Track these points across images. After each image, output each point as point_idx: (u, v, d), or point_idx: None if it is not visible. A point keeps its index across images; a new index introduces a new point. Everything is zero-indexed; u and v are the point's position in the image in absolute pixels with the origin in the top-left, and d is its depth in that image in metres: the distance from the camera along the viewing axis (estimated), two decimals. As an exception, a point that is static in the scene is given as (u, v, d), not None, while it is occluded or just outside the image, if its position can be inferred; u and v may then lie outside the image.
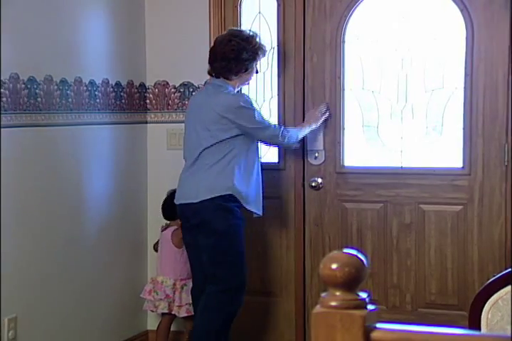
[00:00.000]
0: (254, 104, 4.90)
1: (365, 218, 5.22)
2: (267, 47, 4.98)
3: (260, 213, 4.84)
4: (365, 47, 5.19)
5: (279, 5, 5.27)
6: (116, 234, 5.12)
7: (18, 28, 4.36)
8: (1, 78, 4.19)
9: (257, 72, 4.95)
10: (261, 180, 4.86)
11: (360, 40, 5.19)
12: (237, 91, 4.93)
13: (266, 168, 5.32)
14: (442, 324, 4.55)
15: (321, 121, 5.08)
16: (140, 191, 5.45)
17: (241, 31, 4.88)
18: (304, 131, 5.01)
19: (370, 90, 5.20)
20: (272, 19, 5.33)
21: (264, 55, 4.91)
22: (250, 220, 5.21)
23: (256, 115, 4.73)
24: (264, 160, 5.36)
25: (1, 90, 4.21)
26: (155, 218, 5.46)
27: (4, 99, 4.23)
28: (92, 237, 4.95)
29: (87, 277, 4.92)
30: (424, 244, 5.12)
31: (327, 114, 5.12)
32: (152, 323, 5.50)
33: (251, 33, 4.84)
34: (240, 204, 4.71)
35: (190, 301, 5.00)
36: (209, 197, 4.59)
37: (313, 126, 5.05)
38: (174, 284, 5.11)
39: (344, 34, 5.17)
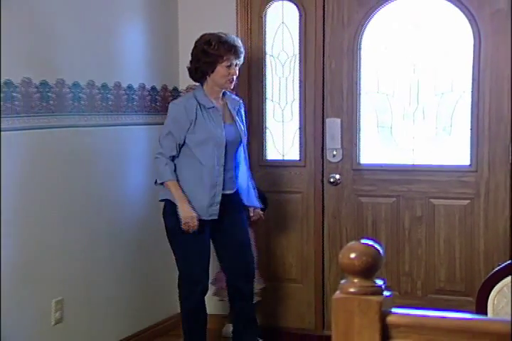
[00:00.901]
0: (180, 116, 4.37)
1: (380, 211, 5.22)
2: (282, 52, 5.11)
3: (201, 216, 4.38)
4: (379, 54, 5.18)
5: (300, 15, 5.27)
6: (154, 224, 5.14)
7: (67, 37, 4.39)
8: (49, 83, 4.24)
9: (232, 75, 4.43)
10: (208, 183, 4.38)
11: (376, 47, 5.17)
12: (197, 94, 4.48)
13: (288, 164, 5.38)
14: (450, 309, 4.55)
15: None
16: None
17: (203, 35, 4.51)
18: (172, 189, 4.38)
19: (384, 94, 5.19)
20: (294, 28, 5.32)
21: (230, 57, 4.38)
22: (274, 213, 5.25)
23: (166, 121, 4.48)
24: (286, 157, 5.40)
25: (49, 94, 4.25)
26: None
27: (51, 102, 4.27)
28: (132, 227, 4.97)
29: (129, 262, 4.98)
30: (434, 235, 5.12)
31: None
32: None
33: (212, 36, 4.44)
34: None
35: None
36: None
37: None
38: None
39: (360, 42, 5.17)
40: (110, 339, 4.82)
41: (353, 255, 1.66)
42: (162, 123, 5.33)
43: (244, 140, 4.62)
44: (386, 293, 1.68)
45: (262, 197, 4.94)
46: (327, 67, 5.25)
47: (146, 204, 5.13)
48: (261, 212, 4.83)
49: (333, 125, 5.25)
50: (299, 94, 5.34)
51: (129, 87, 4.99)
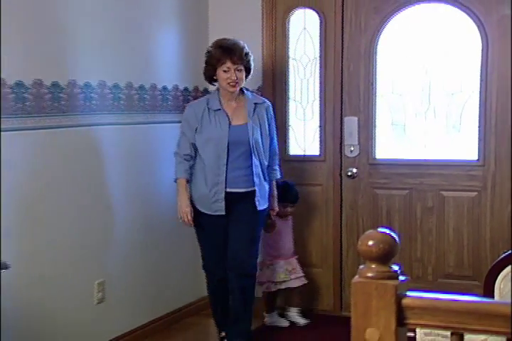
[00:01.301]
0: (189, 117, 4.36)
1: (393, 202, 5.22)
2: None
3: (207, 212, 4.36)
4: (394, 57, 5.18)
5: (321, 22, 5.27)
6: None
7: (108, 42, 4.41)
8: (92, 84, 4.28)
9: (231, 79, 4.27)
10: (204, 180, 4.32)
11: (390, 51, 5.17)
12: (211, 96, 4.48)
13: (309, 159, 5.38)
14: (459, 292, 4.51)
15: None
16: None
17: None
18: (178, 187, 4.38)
19: (398, 94, 5.19)
20: (315, 34, 5.31)
21: (226, 61, 4.24)
22: (300, 201, 5.25)
23: (180, 125, 4.48)
24: (307, 153, 5.40)
25: (91, 95, 4.28)
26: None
27: (94, 102, 4.30)
28: (167, 217, 4.96)
29: (163, 249, 4.99)
30: (444, 224, 5.11)
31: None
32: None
33: (216, 41, 4.40)
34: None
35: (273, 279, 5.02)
36: None
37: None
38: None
39: (376, 46, 5.16)
40: (146, 317, 4.85)
41: (370, 242, 1.68)
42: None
43: (261, 140, 4.38)
44: (401, 278, 1.69)
45: (293, 191, 4.98)
46: (345, 70, 5.25)
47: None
48: (276, 209, 4.71)
49: (351, 123, 5.25)
50: (319, 95, 5.33)
51: (164, 88, 5.00)
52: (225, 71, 4.24)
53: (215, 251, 4.43)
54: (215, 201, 4.29)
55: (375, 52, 5.18)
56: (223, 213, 4.31)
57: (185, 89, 5.24)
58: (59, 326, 4.09)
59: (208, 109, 4.31)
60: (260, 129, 4.37)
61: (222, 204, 4.29)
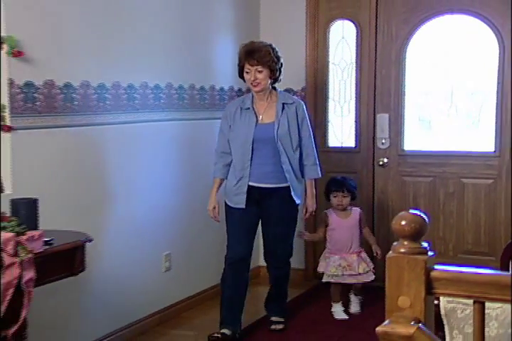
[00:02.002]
0: (227, 114, 4.13)
1: (419, 188, 5.20)
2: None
3: (230, 204, 4.11)
4: (421, 62, 5.15)
5: (357, 32, 5.26)
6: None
7: (173, 49, 4.44)
8: (162, 85, 4.34)
9: (252, 80, 4.00)
10: (237, 175, 4.06)
11: (418, 57, 5.14)
12: (247, 96, 4.21)
13: (346, 150, 5.38)
14: (476, 266, 4.53)
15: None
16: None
17: None
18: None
19: (424, 94, 5.17)
20: (352, 42, 5.30)
21: (245, 63, 3.99)
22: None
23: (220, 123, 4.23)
24: (344, 145, 5.40)
25: (160, 95, 4.34)
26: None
27: (162, 101, 4.36)
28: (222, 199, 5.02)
29: (222, 225, 4.99)
30: (463, 207, 5.09)
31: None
32: (263, 260, 5.56)
33: (244, 44, 4.14)
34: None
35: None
36: None
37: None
38: None
39: (405, 52, 5.14)
40: (208, 284, 4.88)
41: (403, 222, 1.68)
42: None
43: (290, 138, 4.06)
44: (430, 253, 1.69)
45: (355, 186, 4.71)
46: (378, 73, 5.24)
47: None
48: (310, 208, 4.30)
49: (382, 119, 5.24)
50: (355, 94, 5.33)
51: (221, 89, 5.03)
52: (247, 72, 4.00)
53: (234, 240, 4.15)
54: (237, 194, 4.04)
55: (404, 58, 5.16)
56: (243, 206, 4.03)
57: (239, 90, 5.26)
58: (133, 290, 4.16)
59: (241, 108, 4.07)
60: (289, 128, 4.06)
61: (243, 197, 4.02)
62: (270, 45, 4.05)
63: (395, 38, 5.17)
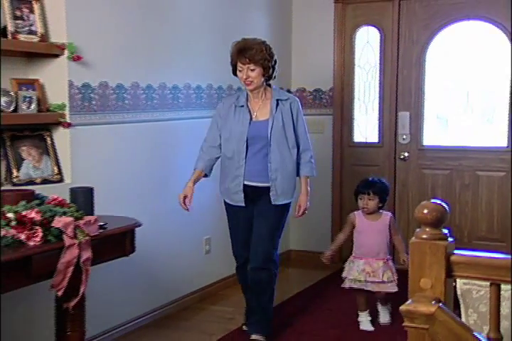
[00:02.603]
0: (220, 111, 3.68)
1: (437, 180, 5.15)
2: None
3: (230, 202, 3.69)
4: (439, 64, 5.09)
5: (381, 37, 5.22)
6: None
7: (211, 52, 4.42)
8: (203, 86, 4.34)
9: (244, 78, 3.54)
10: (227, 173, 3.66)
11: (437, 59, 5.09)
12: (242, 93, 3.72)
13: (370, 145, 5.35)
14: (489, 251, 4.49)
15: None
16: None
17: None
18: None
19: (442, 93, 5.11)
20: (376, 46, 5.26)
21: (238, 61, 3.54)
22: (358, 181, 5.20)
23: (212, 119, 3.77)
24: (368, 140, 5.37)
25: (202, 94, 4.35)
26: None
27: (203, 100, 4.37)
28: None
29: None
30: (478, 198, 5.04)
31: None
32: (293, 244, 5.62)
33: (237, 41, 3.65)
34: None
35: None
36: None
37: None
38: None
39: (425, 55, 5.09)
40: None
41: (425, 210, 1.68)
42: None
43: (285, 136, 3.58)
44: (450, 239, 1.70)
45: (384, 189, 3.97)
46: (400, 75, 5.19)
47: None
48: (303, 206, 3.71)
49: (404, 117, 5.20)
50: (378, 94, 5.29)
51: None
52: (239, 70, 3.55)
53: (236, 242, 3.76)
54: (235, 193, 3.63)
55: (424, 61, 5.11)
56: (243, 204, 3.62)
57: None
58: (177, 270, 4.20)
59: (235, 105, 3.63)
60: (283, 125, 3.58)
61: (241, 195, 3.60)
62: (263, 43, 3.61)
63: (416, 42, 5.12)
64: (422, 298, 1.62)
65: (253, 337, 3.62)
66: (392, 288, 3.82)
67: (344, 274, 3.94)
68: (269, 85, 3.68)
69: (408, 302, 1.63)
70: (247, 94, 3.64)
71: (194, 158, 4.02)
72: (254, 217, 3.67)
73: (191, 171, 3.71)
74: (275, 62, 3.61)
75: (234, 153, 3.59)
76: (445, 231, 1.70)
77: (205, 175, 3.72)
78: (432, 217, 1.67)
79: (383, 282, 3.82)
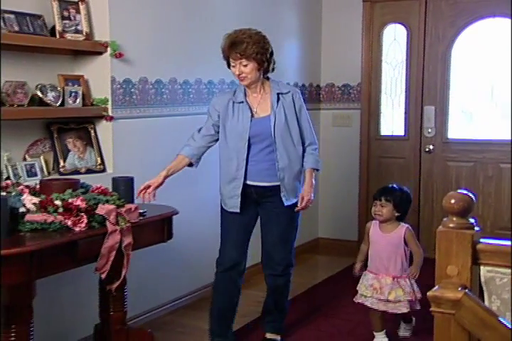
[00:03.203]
0: (216, 105, 3.21)
1: (461, 172, 5.09)
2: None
3: (225, 207, 3.25)
4: (464, 60, 5.02)
5: (407, 34, 5.16)
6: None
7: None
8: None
9: (238, 73, 3.09)
10: (224, 175, 3.22)
11: (462, 55, 5.02)
12: (238, 88, 3.23)
13: (396, 138, 5.30)
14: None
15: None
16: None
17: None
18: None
19: (467, 88, 5.04)
20: (403, 43, 5.20)
21: (231, 56, 3.08)
22: (385, 172, 5.18)
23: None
24: (395, 133, 5.32)
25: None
26: (324, 172, 5.50)
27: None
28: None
29: None
30: (501, 189, 4.97)
31: None
32: (322, 232, 5.59)
33: (228, 33, 3.15)
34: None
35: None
36: None
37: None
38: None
39: (451, 52, 5.03)
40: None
41: (452, 200, 1.66)
42: (311, 109, 5.34)
43: (289, 131, 3.15)
44: (476, 228, 1.67)
45: (402, 197, 3.37)
46: (426, 70, 5.13)
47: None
48: (305, 197, 3.20)
49: (429, 111, 5.14)
50: (404, 89, 5.23)
51: (288, 84, 4.99)
52: (232, 66, 3.10)
53: (227, 247, 3.28)
54: (231, 197, 3.18)
55: (450, 57, 5.04)
56: (237, 210, 3.17)
57: (303, 85, 5.23)
58: (210, 255, 4.18)
59: (233, 101, 3.17)
60: (286, 120, 3.14)
61: (238, 200, 3.16)
62: (257, 34, 3.12)
63: (442, 38, 5.05)
64: (448, 285, 1.60)
65: (268, 335, 3.41)
66: (400, 308, 3.25)
67: (358, 287, 3.41)
68: (268, 78, 3.24)
69: (435, 288, 1.61)
70: (244, 89, 3.19)
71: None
72: (262, 221, 3.28)
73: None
74: (271, 54, 3.15)
75: (234, 154, 3.14)
76: (471, 220, 1.67)
77: (191, 165, 3.21)
78: (459, 207, 1.65)
79: (388, 301, 3.24)
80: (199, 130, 3.26)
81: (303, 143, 3.22)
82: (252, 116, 3.15)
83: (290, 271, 3.36)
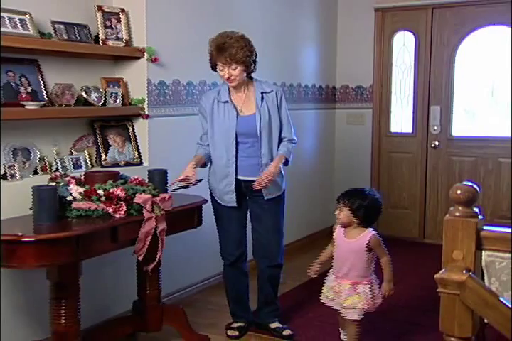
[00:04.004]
0: (202, 103, 3.06)
1: (464, 166, 5.03)
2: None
3: (222, 203, 3.09)
4: (467, 64, 4.95)
5: (416, 40, 5.10)
6: (317, 173, 5.18)
7: (266, 53, 4.32)
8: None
9: (226, 76, 2.93)
10: (215, 172, 3.06)
11: (465, 60, 4.95)
12: (222, 87, 3.07)
13: (405, 135, 5.25)
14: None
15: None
16: (331, 147, 5.45)
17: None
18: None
19: (470, 89, 4.96)
20: (411, 48, 5.14)
21: (219, 60, 2.90)
22: (395, 166, 5.13)
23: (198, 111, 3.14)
24: (404, 130, 5.26)
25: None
26: (339, 166, 5.50)
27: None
28: (307, 173, 4.99)
29: (304, 190, 4.94)
30: (500, 181, 4.90)
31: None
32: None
33: (214, 37, 2.96)
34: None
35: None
36: None
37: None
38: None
39: (455, 56, 4.96)
40: (297, 236, 4.89)
41: (459, 191, 1.65)
42: (327, 109, 5.34)
43: (272, 129, 3.00)
44: (480, 217, 1.66)
45: (369, 205, 2.77)
46: (432, 73, 5.07)
47: (312, 160, 5.17)
48: (265, 174, 2.93)
49: (435, 110, 5.08)
50: (413, 90, 5.17)
51: (306, 86, 4.99)
52: (220, 69, 2.94)
53: (228, 241, 3.16)
54: (225, 193, 3.04)
55: (454, 61, 4.98)
56: (235, 205, 3.05)
57: (320, 86, 5.20)
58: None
59: (218, 101, 3.02)
60: (270, 118, 2.99)
61: (233, 196, 3.03)
62: (242, 38, 2.94)
63: (447, 44, 4.99)
64: (454, 268, 1.59)
65: (274, 325, 3.23)
66: (353, 315, 2.80)
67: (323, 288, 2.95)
68: (251, 78, 3.07)
69: (442, 271, 1.60)
70: (228, 89, 3.03)
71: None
72: (252, 214, 3.13)
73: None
74: (255, 55, 2.99)
75: (223, 151, 3.00)
76: (476, 209, 1.66)
77: (204, 165, 3.08)
78: (465, 197, 1.64)
79: (343, 307, 2.81)
80: (202, 136, 3.10)
81: (281, 138, 3.06)
82: (238, 114, 2.99)
83: (283, 262, 3.21)
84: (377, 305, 2.81)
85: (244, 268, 3.25)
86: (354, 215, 2.77)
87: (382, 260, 2.80)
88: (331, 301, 2.88)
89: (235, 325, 3.27)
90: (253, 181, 2.97)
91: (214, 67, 2.98)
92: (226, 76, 2.93)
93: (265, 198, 3.04)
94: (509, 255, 1.69)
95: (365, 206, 2.76)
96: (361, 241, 2.78)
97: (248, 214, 3.17)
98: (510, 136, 4.77)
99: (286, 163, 3.08)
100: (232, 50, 2.87)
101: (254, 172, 3.00)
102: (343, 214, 2.79)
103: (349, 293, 2.79)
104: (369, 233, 2.79)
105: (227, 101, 3.01)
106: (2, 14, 2.73)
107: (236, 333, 3.22)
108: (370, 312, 2.82)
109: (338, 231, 2.88)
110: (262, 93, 3.03)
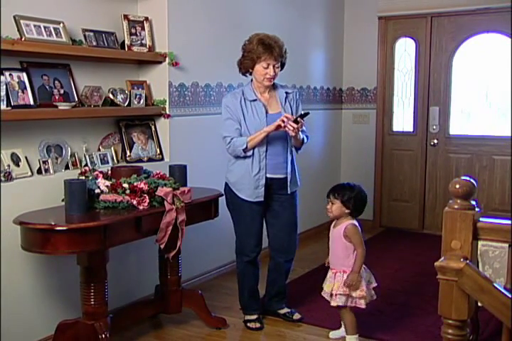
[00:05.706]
0: (230, 104, 2.90)
1: (460, 162, 4.97)
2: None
3: (248, 199, 2.93)
4: (464, 68, 4.89)
5: (416, 46, 5.04)
6: (326, 168, 5.15)
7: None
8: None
9: (269, 74, 2.87)
10: (245, 168, 2.91)
11: (462, 64, 4.89)
12: (245, 88, 2.96)
13: (406, 134, 5.20)
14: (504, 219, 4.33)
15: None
16: (338, 144, 5.41)
17: (253, 34, 2.95)
18: (253, 140, 2.85)
19: (466, 91, 4.90)
20: (412, 53, 5.08)
21: (267, 57, 2.83)
22: (397, 163, 5.09)
23: (222, 111, 2.95)
24: (405, 129, 5.21)
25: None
26: (345, 162, 5.46)
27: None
28: (317, 168, 4.98)
29: (313, 185, 4.89)
30: (493, 177, 4.85)
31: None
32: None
33: (257, 35, 2.90)
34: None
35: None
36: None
37: (263, 134, 2.84)
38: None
39: (452, 61, 4.90)
40: (309, 225, 4.84)
41: (457, 186, 1.63)
42: (334, 109, 5.30)
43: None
44: (477, 209, 1.64)
45: (351, 194, 2.77)
46: (431, 77, 5.02)
47: (323, 155, 5.14)
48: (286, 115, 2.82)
49: (434, 111, 5.03)
50: (413, 92, 5.12)
51: (315, 88, 4.96)
52: (264, 67, 2.84)
53: (251, 238, 3.00)
54: (256, 187, 2.90)
55: (451, 65, 4.92)
56: (262, 199, 2.92)
57: (328, 88, 5.17)
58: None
59: (245, 99, 2.91)
60: (293, 116, 2.90)
61: (262, 190, 2.91)
62: (281, 40, 2.93)
63: (445, 50, 4.93)
64: (452, 256, 1.57)
65: (284, 310, 3.18)
66: (333, 301, 2.75)
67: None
68: None
69: (441, 259, 1.58)
70: (253, 89, 2.95)
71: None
72: (271, 214, 3.02)
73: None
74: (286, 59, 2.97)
75: (254, 148, 2.87)
76: (473, 202, 1.64)
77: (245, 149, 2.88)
78: (463, 191, 1.62)
79: (329, 294, 2.76)
80: (231, 138, 2.88)
81: None
82: (267, 112, 2.92)
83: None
84: (360, 296, 2.71)
85: (258, 263, 3.13)
86: (345, 206, 2.77)
87: (356, 251, 2.73)
88: (327, 295, 2.80)
89: (252, 317, 3.11)
90: (279, 179, 2.92)
91: (249, 66, 2.88)
92: (271, 73, 2.85)
93: (289, 192, 2.96)
94: (501, 244, 1.67)
95: (354, 197, 2.77)
96: (340, 228, 2.78)
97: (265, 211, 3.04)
98: (503, 135, 4.72)
99: (298, 148, 3.02)
100: (278, 49, 2.85)
101: (279, 170, 2.93)
102: (335, 206, 2.78)
103: (332, 280, 2.77)
104: (348, 221, 2.77)
105: (255, 100, 2.92)
106: (39, 24, 2.74)
107: (258, 325, 3.07)
108: (362, 306, 2.74)
109: (332, 224, 2.88)
110: (286, 93, 3.00)
